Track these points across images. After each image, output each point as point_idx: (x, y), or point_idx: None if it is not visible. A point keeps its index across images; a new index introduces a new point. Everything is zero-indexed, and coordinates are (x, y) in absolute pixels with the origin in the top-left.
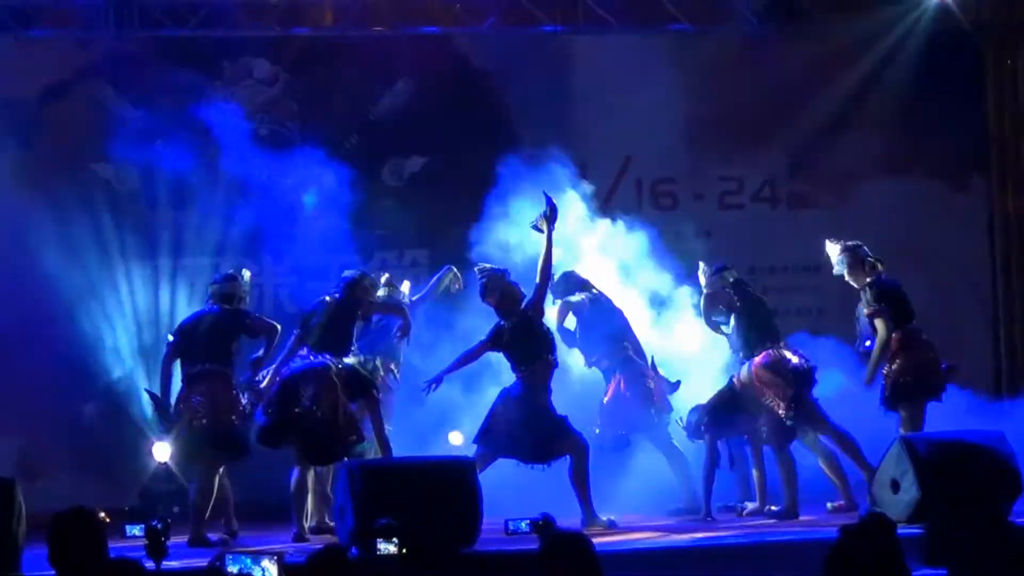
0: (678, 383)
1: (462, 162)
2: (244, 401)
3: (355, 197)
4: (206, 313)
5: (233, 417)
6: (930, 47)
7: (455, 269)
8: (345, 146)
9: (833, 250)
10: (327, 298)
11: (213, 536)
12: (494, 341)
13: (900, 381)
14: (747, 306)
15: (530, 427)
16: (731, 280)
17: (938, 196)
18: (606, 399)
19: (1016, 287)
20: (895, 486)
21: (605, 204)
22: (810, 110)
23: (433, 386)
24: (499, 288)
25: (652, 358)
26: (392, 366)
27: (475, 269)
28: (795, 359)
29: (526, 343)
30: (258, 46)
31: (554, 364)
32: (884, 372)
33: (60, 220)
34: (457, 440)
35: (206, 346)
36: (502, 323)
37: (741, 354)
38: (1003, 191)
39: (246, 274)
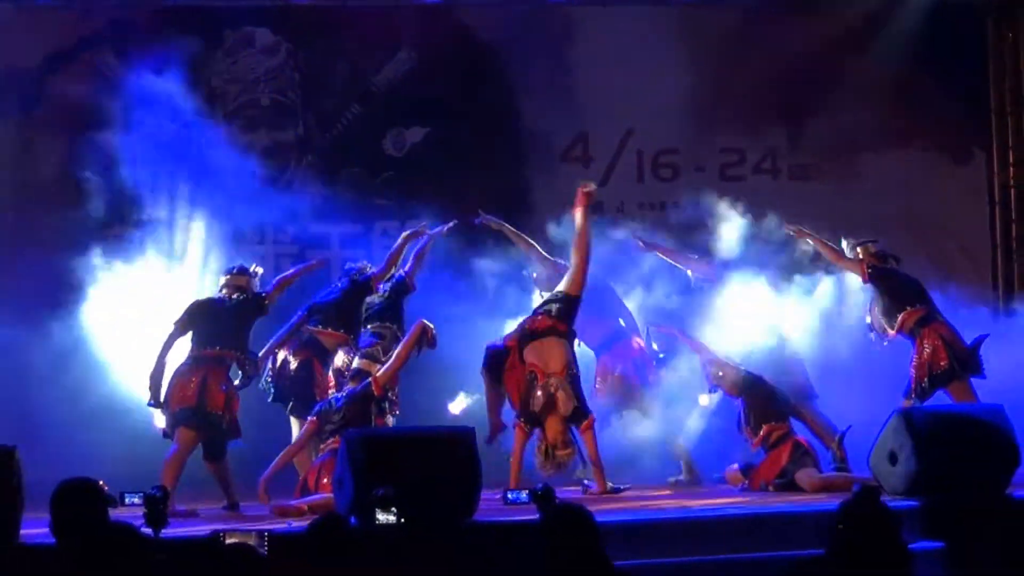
0: (664, 358)
1: (463, 133)
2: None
3: (356, 167)
4: (222, 301)
5: (219, 411)
6: (931, 20)
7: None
8: (347, 116)
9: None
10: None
11: (180, 507)
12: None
13: (938, 366)
14: None
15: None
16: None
17: (939, 168)
18: (596, 376)
19: (1016, 259)
20: (893, 458)
21: (606, 176)
22: (811, 82)
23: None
24: None
25: (648, 331)
26: (397, 331)
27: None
28: None
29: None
30: (260, 15)
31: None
32: (913, 364)
33: (62, 189)
34: (457, 409)
35: (222, 331)
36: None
37: None
38: (1004, 163)
39: (259, 270)
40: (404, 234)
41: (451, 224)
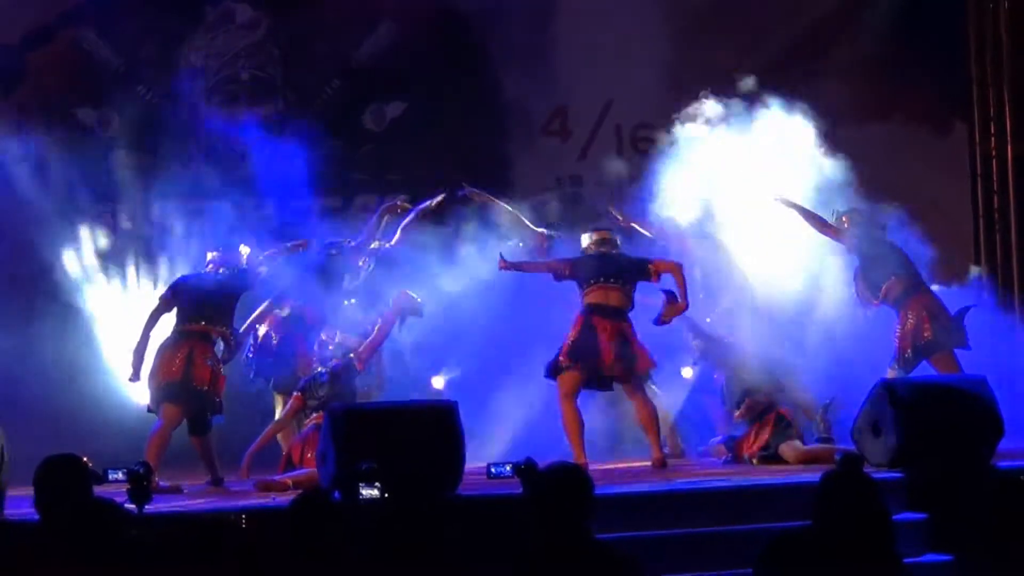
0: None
1: (443, 106)
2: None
3: (336, 141)
4: (208, 277)
5: (204, 387)
6: None
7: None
8: (327, 91)
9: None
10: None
11: (163, 483)
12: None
13: (922, 337)
14: None
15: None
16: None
17: (920, 140)
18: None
19: (998, 230)
20: (876, 430)
21: (586, 148)
22: (791, 55)
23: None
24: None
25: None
26: (379, 305)
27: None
28: None
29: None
30: None
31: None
32: (897, 334)
33: (43, 166)
34: (440, 384)
35: (208, 306)
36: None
37: None
38: (985, 135)
39: (244, 250)
40: (382, 207)
41: (440, 197)
